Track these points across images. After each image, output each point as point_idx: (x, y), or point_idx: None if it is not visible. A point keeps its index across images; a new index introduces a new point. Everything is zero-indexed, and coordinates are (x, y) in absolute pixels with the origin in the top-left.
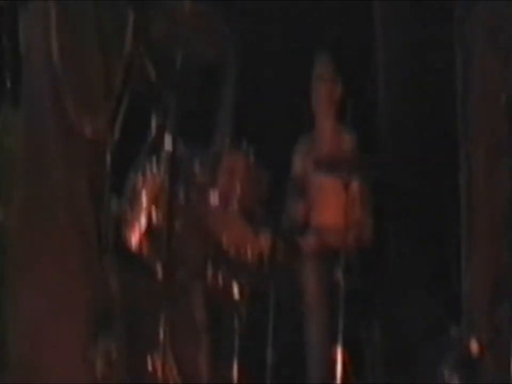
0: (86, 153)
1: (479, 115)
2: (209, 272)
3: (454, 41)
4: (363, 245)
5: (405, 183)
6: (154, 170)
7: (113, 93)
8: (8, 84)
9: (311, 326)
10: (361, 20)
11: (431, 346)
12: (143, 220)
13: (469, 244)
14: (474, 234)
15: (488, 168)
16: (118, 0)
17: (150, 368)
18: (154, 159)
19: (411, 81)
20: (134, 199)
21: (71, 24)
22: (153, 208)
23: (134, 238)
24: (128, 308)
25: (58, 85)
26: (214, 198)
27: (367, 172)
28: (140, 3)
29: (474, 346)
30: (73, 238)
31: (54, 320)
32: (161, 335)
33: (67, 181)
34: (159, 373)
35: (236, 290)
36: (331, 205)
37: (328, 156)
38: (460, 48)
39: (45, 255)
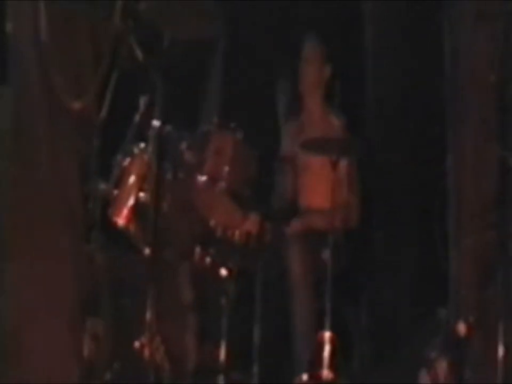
0: (74, 131)
1: (467, 95)
2: (197, 252)
3: (443, 22)
4: (350, 225)
5: (392, 165)
6: (142, 149)
7: (100, 69)
8: None
9: (296, 307)
10: (349, 2)
11: (418, 329)
12: (130, 199)
13: (456, 226)
14: (461, 215)
15: (477, 150)
16: None
17: (137, 347)
18: (141, 138)
19: (399, 62)
20: (121, 178)
21: (59, 1)
22: (140, 187)
23: (121, 217)
24: (115, 286)
25: (46, 62)
26: (201, 178)
27: (354, 153)
28: None
29: (461, 327)
30: (60, 216)
31: (41, 299)
32: (148, 315)
33: (55, 159)
34: (147, 352)
35: (223, 270)
36: (319, 185)
37: (316, 137)
38: (449, 29)
39: (32, 233)
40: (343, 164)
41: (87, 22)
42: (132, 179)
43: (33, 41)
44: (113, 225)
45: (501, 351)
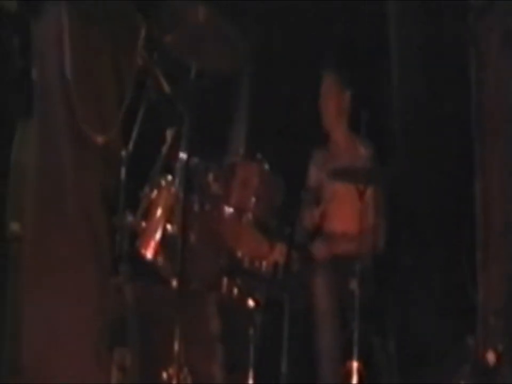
0: (99, 164)
1: (494, 120)
2: (224, 283)
3: (469, 46)
4: (377, 251)
5: (419, 190)
6: (169, 181)
7: (124, 103)
8: (23, 98)
9: (323, 337)
10: (376, 31)
11: (447, 357)
12: (158, 231)
13: (484, 253)
14: (489, 241)
15: (503, 175)
16: (130, 11)
17: (164, 378)
18: (169, 170)
19: (425, 90)
20: (148, 210)
21: (83, 35)
22: (168, 219)
23: (149, 249)
24: (143, 317)
25: (71, 96)
26: (228, 209)
27: (382, 181)
28: (153, 13)
29: (490, 356)
30: (87, 248)
31: (69, 329)
32: (176, 345)
33: (81, 192)
34: (174, 383)
35: (250, 301)
36: (346, 214)
37: (343, 166)
38: (474, 53)
39: (60, 265)
40: (370, 191)
41: (111, 57)
42: (159, 211)
43: (58, 76)
44: (141, 257)
45: None
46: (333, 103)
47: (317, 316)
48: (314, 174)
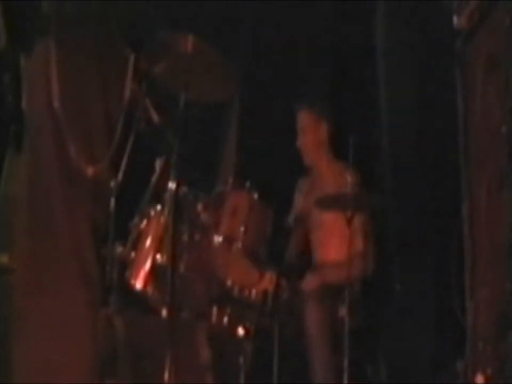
0: (88, 196)
1: (481, 145)
2: (214, 312)
3: (455, 74)
4: (366, 278)
5: (408, 216)
6: (158, 211)
7: (114, 134)
8: (12, 131)
9: (314, 364)
10: (362, 57)
11: (437, 381)
12: (147, 261)
13: (471, 276)
14: (477, 266)
15: (490, 200)
16: (118, 42)
17: None
18: (158, 200)
19: (412, 116)
20: (138, 240)
21: (71, 67)
22: (157, 249)
23: (139, 280)
24: (133, 347)
25: (60, 128)
26: (218, 238)
27: (369, 207)
28: (142, 43)
29: (479, 379)
30: (77, 279)
31: (59, 360)
32: (166, 375)
33: (70, 223)
34: None
35: (240, 329)
36: (334, 241)
37: (330, 194)
38: (460, 77)
39: (49, 296)
40: (358, 218)
41: (99, 89)
42: (149, 241)
43: (46, 109)
44: (131, 287)
45: None
46: (309, 138)
47: (309, 344)
48: (300, 202)
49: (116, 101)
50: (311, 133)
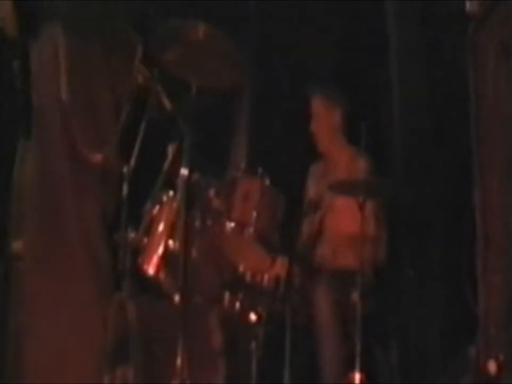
0: (98, 182)
1: (491, 131)
2: (226, 298)
3: (467, 60)
4: (378, 264)
5: (420, 202)
6: (171, 197)
7: (120, 122)
8: (23, 119)
9: (324, 349)
10: (377, 45)
11: (448, 367)
12: (160, 247)
13: (484, 264)
14: (488, 253)
15: (502, 186)
16: (126, 30)
17: None
18: (170, 186)
19: (425, 103)
20: (150, 226)
21: (79, 55)
22: (169, 235)
23: (151, 265)
24: (145, 333)
25: (67, 116)
26: (230, 224)
27: (381, 194)
28: (152, 31)
29: (491, 365)
30: (87, 265)
31: (69, 347)
32: (179, 361)
33: (80, 210)
34: None
35: (252, 315)
36: (346, 226)
37: (343, 179)
38: (473, 63)
39: (60, 282)
40: (369, 203)
41: (107, 76)
42: (161, 227)
43: (54, 97)
44: (144, 273)
45: None
46: (323, 124)
47: (319, 328)
48: (313, 187)
49: (124, 88)
50: (324, 119)
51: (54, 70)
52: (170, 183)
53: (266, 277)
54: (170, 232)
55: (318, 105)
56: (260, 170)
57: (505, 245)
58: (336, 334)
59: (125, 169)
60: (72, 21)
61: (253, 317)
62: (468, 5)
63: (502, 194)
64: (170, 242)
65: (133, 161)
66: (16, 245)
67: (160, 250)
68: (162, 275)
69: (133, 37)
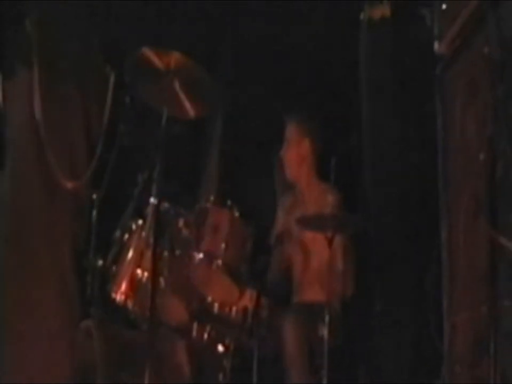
0: (69, 209)
1: (459, 173)
2: (194, 328)
3: (435, 99)
4: (346, 298)
5: (388, 237)
6: (140, 225)
7: (95, 149)
8: None
9: (292, 381)
10: (347, 79)
11: None
12: (128, 275)
13: (449, 301)
14: (454, 291)
15: (468, 225)
16: (99, 61)
17: None
18: (140, 215)
19: (394, 140)
20: (119, 254)
21: (52, 85)
22: (138, 263)
23: (120, 293)
24: (113, 360)
25: (41, 143)
26: (198, 254)
27: (350, 229)
28: (123, 59)
29: None
30: (56, 292)
31: (38, 376)
32: None
33: (50, 237)
34: None
35: (220, 346)
36: (314, 261)
37: (311, 214)
38: (440, 106)
39: (29, 311)
40: (338, 238)
41: (80, 103)
42: (130, 255)
43: (28, 123)
44: (112, 301)
45: None
46: (293, 150)
47: (286, 361)
48: (281, 220)
49: (97, 117)
50: (294, 146)
51: (28, 96)
52: (140, 211)
53: (234, 308)
54: (139, 261)
55: (289, 132)
56: (229, 202)
57: (471, 283)
58: (304, 367)
59: (94, 196)
60: (46, 51)
61: (220, 348)
62: (437, 46)
63: (468, 233)
64: (139, 271)
65: (103, 189)
66: None
67: (129, 278)
68: (130, 303)
69: (105, 66)
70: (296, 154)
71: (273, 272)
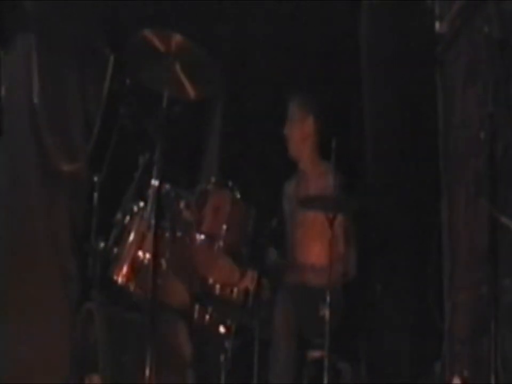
0: (67, 192)
1: (459, 152)
2: (196, 310)
3: (436, 80)
4: (347, 279)
5: (389, 218)
6: (141, 208)
7: (92, 132)
8: None
9: (276, 358)
10: (347, 56)
11: (416, 382)
12: (130, 257)
13: (450, 280)
14: (455, 270)
15: (468, 205)
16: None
17: None
18: (141, 197)
19: (396, 120)
20: (121, 236)
21: (52, 65)
22: (139, 245)
23: (121, 275)
24: (114, 343)
25: (39, 124)
26: (200, 236)
27: (351, 209)
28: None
29: (456, 381)
30: (55, 274)
31: (37, 357)
32: (148, 371)
33: (48, 218)
34: None
35: (221, 327)
36: (316, 242)
37: (313, 195)
38: (441, 85)
39: (28, 291)
40: (339, 219)
41: (79, 86)
42: (131, 237)
43: (26, 104)
44: (113, 283)
45: None
46: (296, 128)
47: (273, 339)
48: (286, 205)
49: (95, 99)
50: (298, 124)
51: (26, 76)
52: (141, 193)
53: (235, 290)
54: (141, 243)
55: (292, 109)
56: (230, 183)
57: (471, 263)
58: (289, 348)
59: (95, 178)
60: (45, 30)
61: (222, 329)
62: (438, 26)
63: (469, 212)
64: (140, 253)
65: (104, 171)
66: None
67: (130, 260)
68: (131, 285)
69: (105, 48)
70: (300, 131)
71: (275, 253)
